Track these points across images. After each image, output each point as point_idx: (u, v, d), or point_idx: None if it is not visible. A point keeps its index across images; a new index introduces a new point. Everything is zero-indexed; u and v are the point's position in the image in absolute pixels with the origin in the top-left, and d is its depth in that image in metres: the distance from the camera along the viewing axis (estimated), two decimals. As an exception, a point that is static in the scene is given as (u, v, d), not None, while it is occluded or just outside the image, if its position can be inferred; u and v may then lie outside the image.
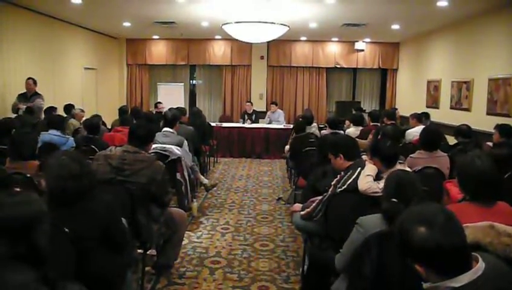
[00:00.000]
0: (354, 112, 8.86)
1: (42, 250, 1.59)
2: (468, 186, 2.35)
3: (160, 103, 10.24)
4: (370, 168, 3.18)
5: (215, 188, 6.88)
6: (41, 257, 1.58)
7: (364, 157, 3.53)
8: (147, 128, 3.59)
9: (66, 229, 2.12)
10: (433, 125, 6.61)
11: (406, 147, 5.35)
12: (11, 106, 7.09)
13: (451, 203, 2.70)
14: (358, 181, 3.09)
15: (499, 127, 5.21)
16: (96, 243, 2.29)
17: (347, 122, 7.90)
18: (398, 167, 3.33)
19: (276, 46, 12.39)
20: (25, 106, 6.78)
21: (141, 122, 3.85)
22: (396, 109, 10.27)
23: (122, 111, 7.79)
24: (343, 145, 3.44)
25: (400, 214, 1.58)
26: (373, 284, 2.00)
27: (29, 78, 7.32)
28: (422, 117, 7.20)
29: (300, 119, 8.12)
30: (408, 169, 3.54)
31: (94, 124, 5.42)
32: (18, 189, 2.42)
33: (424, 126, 5.96)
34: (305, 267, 3.78)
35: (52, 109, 7.30)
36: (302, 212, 3.51)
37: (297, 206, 3.75)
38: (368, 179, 3.06)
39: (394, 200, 2.30)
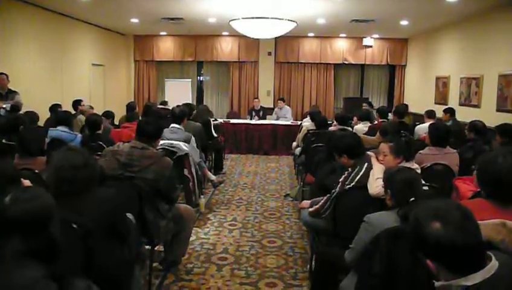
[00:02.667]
0: (364, 106, 8.78)
1: (54, 245, 1.59)
2: (489, 184, 2.23)
3: (166, 102, 10.21)
4: (378, 170, 3.11)
5: (222, 185, 6.88)
6: (53, 252, 1.58)
7: (371, 153, 3.51)
8: (155, 124, 3.58)
9: (74, 225, 2.11)
10: (441, 122, 6.55)
11: (415, 143, 5.32)
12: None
13: (462, 200, 2.67)
14: (369, 185, 3.04)
15: (498, 129, 4.88)
16: (102, 236, 2.28)
17: (355, 118, 7.86)
18: (406, 164, 3.31)
19: (283, 42, 12.34)
20: (7, 105, 6.44)
21: (149, 119, 3.84)
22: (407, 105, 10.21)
23: (129, 107, 7.78)
24: (345, 145, 3.44)
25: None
26: (383, 281, 1.98)
27: (1, 74, 6.67)
28: (433, 113, 7.15)
29: (308, 116, 8.09)
30: (416, 166, 3.52)
31: (95, 121, 5.38)
32: (28, 182, 2.42)
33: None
34: (313, 264, 3.77)
35: (57, 105, 7.31)
36: (311, 209, 3.50)
37: (306, 203, 3.75)
38: (379, 182, 2.96)
39: (413, 199, 2.30)
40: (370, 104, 10.29)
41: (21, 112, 6.28)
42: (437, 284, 1.46)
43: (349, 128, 6.41)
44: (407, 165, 3.28)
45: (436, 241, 1.39)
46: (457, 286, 1.39)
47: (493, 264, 1.39)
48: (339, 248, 2.78)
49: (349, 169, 3.33)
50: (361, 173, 3.20)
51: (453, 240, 1.37)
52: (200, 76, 13.43)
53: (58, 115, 5.62)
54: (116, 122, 7.51)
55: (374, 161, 3.30)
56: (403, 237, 1.93)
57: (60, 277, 1.55)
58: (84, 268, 2.04)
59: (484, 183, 2.25)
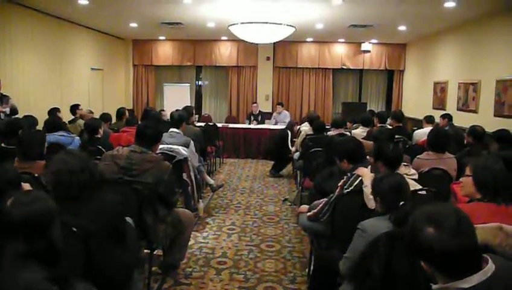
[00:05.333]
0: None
1: (55, 247, 1.60)
2: (489, 186, 2.31)
3: (163, 110, 10.13)
4: (370, 179, 3.07)
5: (221, 189, 6.88)
6: (54, 255, 1.59)
7: (368, 157, 3.52)
8: (155, 128, 3.59)
9: (74, 229, 2.12)
10: (441, 127, 6.57)
11: (413, 148, 5.33)
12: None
13: (459, 204, 2.68)
14: (367, 200, 2.98)
15: (494, 135, 4.87)
16: (101, 240, 2.29)
17: (348, 123, 7.85)
18: (402, 169, 3.31)
19: (282, 47, 12.38)
20: (6, 108, 6.43)
21: (148, 123, 3.84)
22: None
23: (119, 113, 7.60)
24: (347, 150, 3.50)
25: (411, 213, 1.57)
26: (381, 284, 1.99)
27: None
28: (432, 118, 7.16)
29: (306, 120, 8.10)
30: (413, 171, 3.53)
31: (93, 125, 5.37)
32: (27, 185, 2.43)
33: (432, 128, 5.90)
34: (311, 268, 3.77)
35: (55, 109, 7.28)
36: (309, 214, 3.51)
37: (304, 207, 3.75)
38: None
39: (402, 203, 2.31)
40: (372, 112, 10.23)
41: (19, 116, 6.28)
42: (434, 287, 1.47)
43: (348, 133, 6.42)
44: (404, 170, 3.30)
45: (430, 246, 1.40)
46: (454, 288, 1.40)
47: (490, 267, 1.41)
48: (337, 252, 2.78)
49: (348, 174, 3.34)
50: (360, 178, 3.20)
51: (446, 245, 1.38)
52: (198, 80, 13.46)
53: (50, 123, 5.48)
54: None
55: (363, 172, 3.22)
56: (401, 240, 1.95)
57: (60, 279, 1.56)
58: (84, 271, 2.05)
59: (479, 186, 2.33)
